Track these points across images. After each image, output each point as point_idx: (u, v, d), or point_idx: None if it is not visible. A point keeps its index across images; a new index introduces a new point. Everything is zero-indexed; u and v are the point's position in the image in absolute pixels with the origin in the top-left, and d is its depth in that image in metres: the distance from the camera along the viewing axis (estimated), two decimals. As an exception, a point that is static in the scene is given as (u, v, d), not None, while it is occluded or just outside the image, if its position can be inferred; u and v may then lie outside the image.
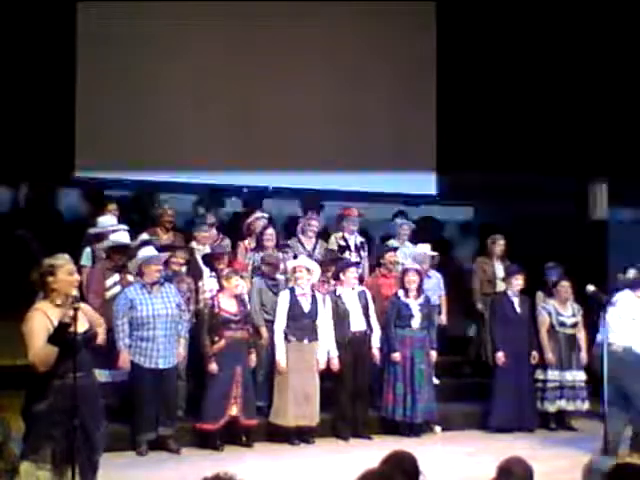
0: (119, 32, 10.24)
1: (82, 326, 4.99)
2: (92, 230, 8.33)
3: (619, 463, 3.57)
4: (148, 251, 7.56)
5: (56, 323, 4.82)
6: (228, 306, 7.64)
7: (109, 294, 7.61)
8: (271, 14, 10.85)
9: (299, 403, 7.84)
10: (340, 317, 8.15)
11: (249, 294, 8.11)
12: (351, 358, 8.15)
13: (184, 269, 8.20)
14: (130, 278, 7.76)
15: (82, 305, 5.20)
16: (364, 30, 11.46)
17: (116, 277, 7.69)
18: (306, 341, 7.92)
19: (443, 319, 9.44)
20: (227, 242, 8.94)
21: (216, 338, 7.55)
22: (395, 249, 9.24)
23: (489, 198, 11.46)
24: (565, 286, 8.75)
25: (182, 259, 8.10)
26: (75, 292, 5.42)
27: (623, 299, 7.49)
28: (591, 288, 7.16)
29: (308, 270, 8.05)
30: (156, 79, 10.44)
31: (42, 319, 4.85)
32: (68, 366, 4.81)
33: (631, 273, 8.44)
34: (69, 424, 4.73)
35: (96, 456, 5.01)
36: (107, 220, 8.38)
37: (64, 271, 4.97)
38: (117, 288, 7.64)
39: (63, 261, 5.01)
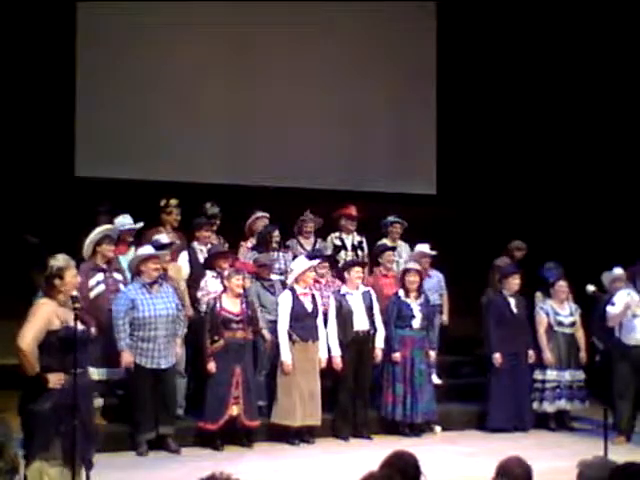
0: (119, 32, 10.25)
1: (80, 325, 5.04)
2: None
3: (623, 463, 3.57)
4: (146, 250, 7.57)
5: (61, 321, 4.89)
6: (230, 306, 7.64)
7: (93, 294, 7.55)
8: (271, 14, 10.86)
9: (305, 403, 7.84)
10: (344, 316, 8.15)
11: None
12: (353, 358, 8.15)
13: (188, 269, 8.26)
14: (117, 276, 7.74)
15: None
16: (364, 30, 11.46)
17: (99, 276, 7.62)
18: (310, 341, 7.92)
19: (445, 319, 9.45)
20: (226, 244, 8.94)
21: (216, 337, 7.55)
22: (393, 248, 9.24)
23: (491, 198, 11.47)
24: (563, 286, 8.75)
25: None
26: (75, 292, 5.45)
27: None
28: (591, 288, 7.18)
29: (315, 271, 8.14)
30: (156, 78, 10.45)
31: (49, 312, 4.93)
32: (69, 363, 4.86)
33: (617, 270, 8.49)
34: (72, 421, 4.78)
35: (92, 454, 5.07)
36: (124, 219, 8.34)
37: (70, 274, 5.08)
38: (101, 287, 7.59)
39: (68, 263, 5.10)
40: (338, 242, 9.43)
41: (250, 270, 8.38)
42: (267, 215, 9.12)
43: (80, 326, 5.04)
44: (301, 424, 7.83)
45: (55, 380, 4.87)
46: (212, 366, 7.50)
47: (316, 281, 8.51)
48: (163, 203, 8.72)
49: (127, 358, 7.24)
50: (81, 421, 4.85)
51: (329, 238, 9.43)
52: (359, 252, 9.44)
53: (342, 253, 9.31)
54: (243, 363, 7.57)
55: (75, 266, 7.08)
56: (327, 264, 8.64)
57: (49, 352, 4.91)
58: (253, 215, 9.14)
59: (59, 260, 5.09)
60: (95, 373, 7.41)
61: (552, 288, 8.81)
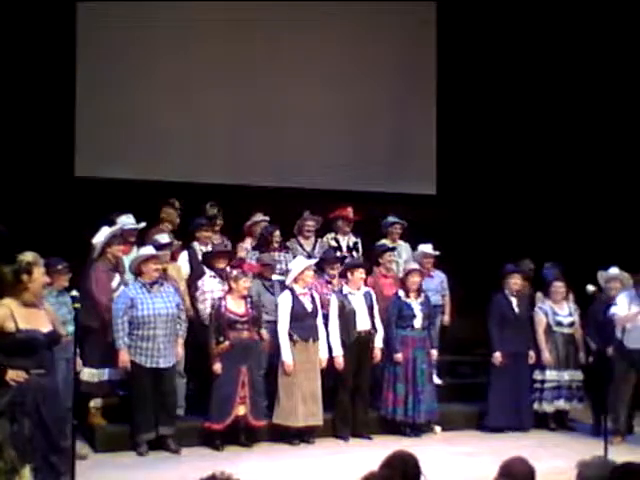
0: (119, 32, 10.24)
1: (45, 327, 4.99)
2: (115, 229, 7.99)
3: (621, 463, 3.58)
4: (146, 250, 7.57)
5: (21, 324, 4.81)
6: (235, 307, 7.64)
7: (116, 295, 7.55)
8: (271, 14, 10.86)
9: (307, 403, 7.84)
10: (346, 317, 8.15)
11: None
12: (354, 358, 8.15)
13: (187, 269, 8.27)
14: (126, 277, 7.75)
15: (47, 306, 5.21)
16: (364, 30, 11.46)
17: (118, 277, 7.67)
18: (311, 341, 7.92)
19: (446, 319, 9.46)
20: (229, 243, 8.94)
21: (221, 338, 7.54)
22: (393, 249, 9.24)
23: (491, 198, 11.47)
24: (558, 286, 8.74)
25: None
26: (74, 292, 5.39)
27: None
28: (591, 288, 7.17)
29: (315, 271, 8.13)
30: (156, 78, 10.45)
31: (1, 317, 4.83)
32: (29, 364, 4.81)
33: (613, 270, 8.49)
34: (28, 421, 4.73)
35: (56, 457, 4.93)
36: (127, 219, 8.30)
37: (39, 271, 4.95)
38: (122, 288, 7.60)
39: (37, 260, 4.98)
40: (333, 243, 9.42)
41: (255, 270, 8.37)
42: (267, 219, 9.12)
43: (45, 329, 4.97)
44: (303, 424, 7.84)
45: (14, 375, 4.77)
46: (218, 367, 7.49)
47: (327, 281, 8.52)
48: (164, 203, 8.73)
49: (123, 357, 7.24)
50: (41, 423, 4.80)
51: (324, 239, 9.43)
52: (354, 253, 9.43)
53: (337, 254, 9.30)
54: (249, 363, 7.57)
55: (66, 266, 7.16)
56: (339, 264, 8.63)
57: (4, 352, 4.85)
58: (252, 217, 9.15)
59: (28, 256, 4.97)
60: (98, 373, 7.43)
61: (549, 288, 8.81)
